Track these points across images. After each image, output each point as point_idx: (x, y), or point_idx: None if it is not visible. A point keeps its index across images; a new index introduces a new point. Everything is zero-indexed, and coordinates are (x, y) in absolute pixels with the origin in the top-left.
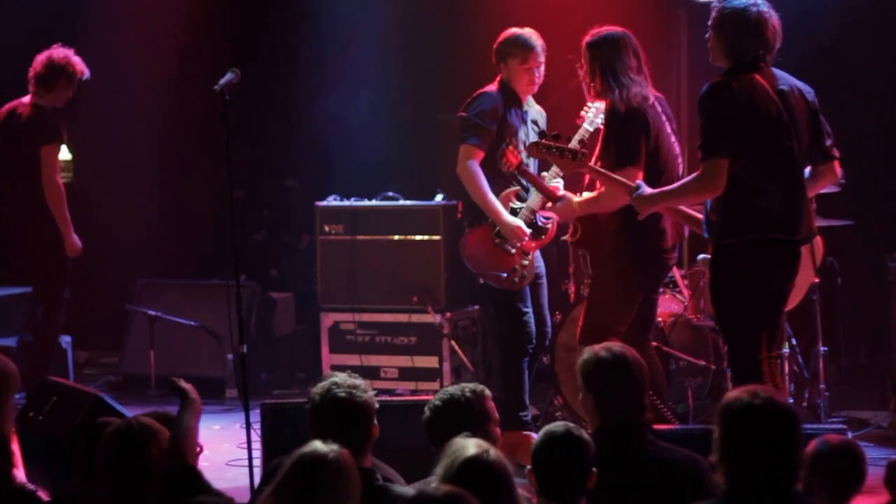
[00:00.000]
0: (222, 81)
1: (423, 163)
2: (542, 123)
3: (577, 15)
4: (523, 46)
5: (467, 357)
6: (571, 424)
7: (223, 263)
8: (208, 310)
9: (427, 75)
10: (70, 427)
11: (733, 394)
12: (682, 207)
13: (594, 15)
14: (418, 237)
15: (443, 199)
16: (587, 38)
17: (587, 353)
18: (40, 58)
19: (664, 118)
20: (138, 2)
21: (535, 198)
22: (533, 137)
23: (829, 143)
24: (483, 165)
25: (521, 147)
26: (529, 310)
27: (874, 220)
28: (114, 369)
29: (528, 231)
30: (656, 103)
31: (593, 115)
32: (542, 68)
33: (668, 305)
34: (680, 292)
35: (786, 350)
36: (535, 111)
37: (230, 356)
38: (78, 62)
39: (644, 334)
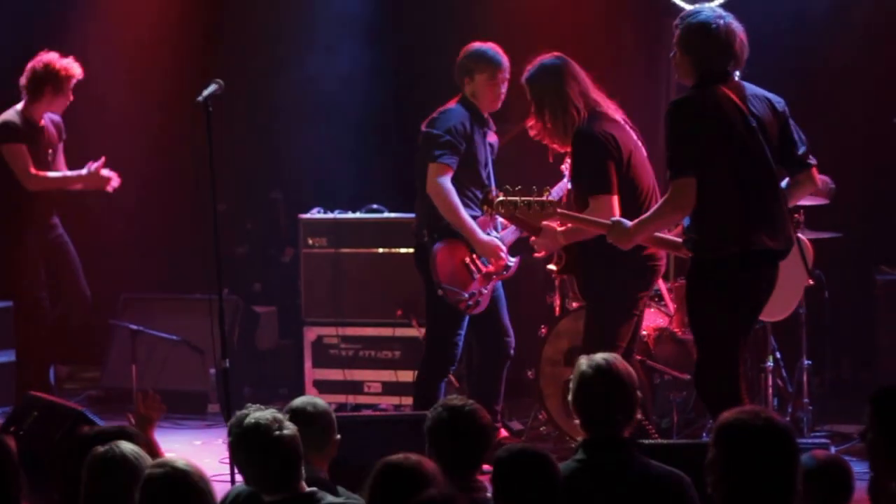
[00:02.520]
0: (206, 93)
1: (406, 175)
2: (496, 149)
3: (562, 27)
4: (491, 62)
5: (451, 372)
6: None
7: (206, 277)
8: (191, 324)
9: (411, 87)
10: (52, 442)
11: (731, 414)
12: (657, 233)
13: (579, 27)
14: (402, 250)
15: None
16: (524, 76)
17: (580, 364)
18: (27, 67)
19: (629, 128)
20: (120, 13)
21: (510, 233)
22: (490, 159)
23: (802, 150)
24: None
25: (483, 166)
26: (462, 333)
27: (862, 233)
28: (96, 384)
29: (505, 248)
30: (619, 118)
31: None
32: (507, 84)
33: (653, 319)
34: (665, 306)
35: (769, 363)
36: (491, 134)
37: (213, 371)
38: (64, 66)
39: (630, 346)
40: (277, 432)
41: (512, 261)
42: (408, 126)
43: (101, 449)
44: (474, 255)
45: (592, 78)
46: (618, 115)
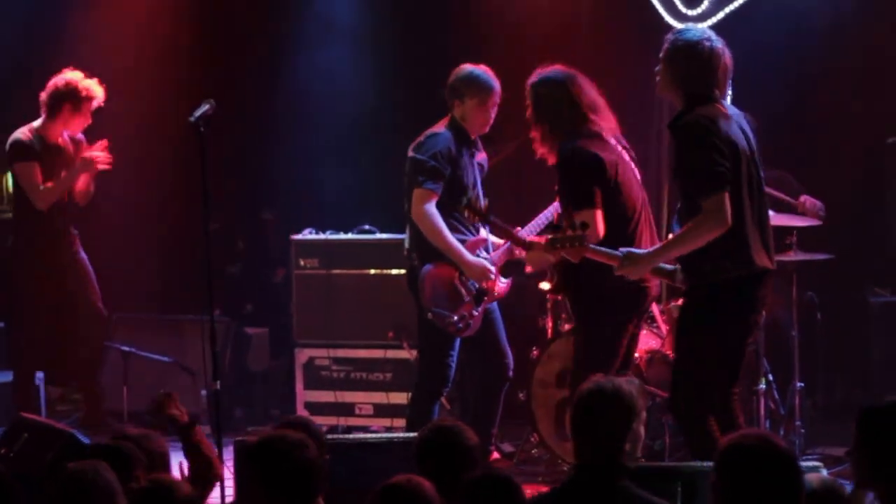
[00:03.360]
0: (198, 113)
1: (398, 196)
2: (486, 168)
3: (553, 40)
4: (483, 86)
5: (445, 394)
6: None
7: (198, 298)
8: (182, 345)
9: (404, 108)
10: (42, 463)
11: (733, 438)
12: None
13: (577, 40)
14: (394, 271)
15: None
16: (529, 82)
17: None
18: (48, 84)
19: (620, 149)
20: (113, 34)
21: (499, 255)
22: (478, 181)
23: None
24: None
25: (471, 189)
26: (455, 354)
27: (854, 255)
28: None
29: (494, 271)
30: (609, 137)
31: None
32: (496, 109)
33: (646, 341)
34: (657, 328)
35: (762, 386)
36: (480, 154)
37: (204, 392)
38: (86, 86)
39: (624, 369)
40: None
41: (503, 281)
42: (400, 147)
43: (74, 467)
44: (463, 278)
45: (599, 92)
46: (611, 135)
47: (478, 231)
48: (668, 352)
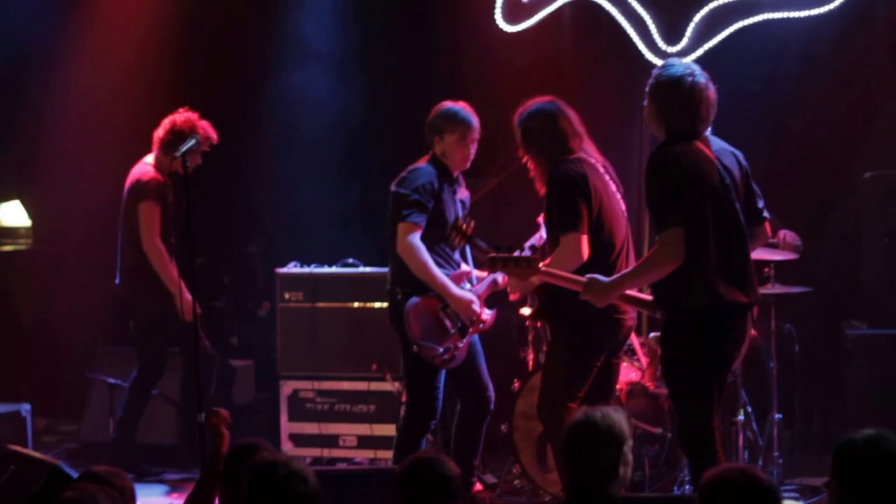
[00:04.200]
0: (183, 148)
1: (383, 230)
2: (468, 204)
3: (540, 80)
4: (463, 122)
5: (433, 426)
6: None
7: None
8: (168, 377)
9: (389, 142)
10: (29, 495)
11: (716, 471)
12: (628, 290)
13: (559, 75)
14: (378, 304)
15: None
16: (517, 116)
17: (576, 416)
18: (165, 121)
19: (608, 178)
20: (96, 69)
21: (484, 287)
22: (462, 215)
23: (760, 204)
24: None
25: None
26: (441, 386)
27: (832, 288)
28: (73, 437)
29: (478, 304)
30: (598, 166)
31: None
32: (476, 145)
33: (626, 373)
34: (637, 360)
35: (740, 417)
36: (462, 190)
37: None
38: (204, 127)
39: (604, 401)
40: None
41: (488, 313)
42: (384, 181)
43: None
44: (448, 310)
45: (582, 123)
46: (599, 163)
47: (459, 265)
48: (649, 384)
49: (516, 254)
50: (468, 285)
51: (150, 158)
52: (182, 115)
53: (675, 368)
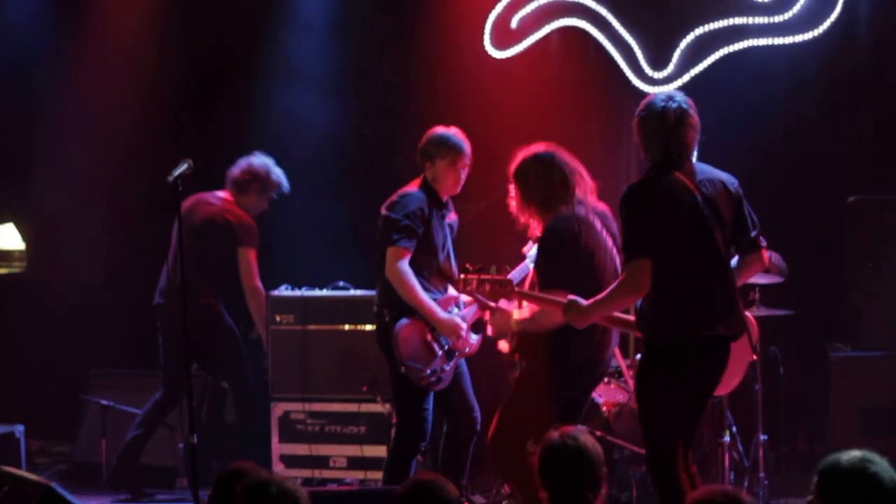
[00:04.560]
0: (176, 172)
1: (373, 253)
2: (455, 228)
3: (529, 102)
4: (454, 148)
5: (423, 448)
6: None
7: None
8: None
9: (377, 166)
10: None
11: (701, 493)
12: (615, 312)
13: (547, 103)
14: (368, 327)
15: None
16: (514, 166)
17: (548, 438)
18: (242, 162)
19: (605, 233)
20: (88, 92)
21: (472, 311)
22: (448, 241)
23: (754, 233)
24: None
25: (441, 249)
26: (430, 408)
27: (816, 311)
28: (66, 458)
29: (465, 326)
30: (594, 217)
31: (536, 252)
32: (468, 170)
33: (613, 395)
34: (625, 382)
35: (726, 438)
36: (450, 214)
37: (181, 445)
38: (276, 175)
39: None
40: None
41: (475, 338)
42: (375, 205)
43: None
44: (435, 333)
45: (581, 166)
46: (598, 218)
47: (448, 289)
48: (636, 405)
49: (487, 276)
50: (456, 310)
51: (222, 193)
52: (260, 160)
53: (646, 396)
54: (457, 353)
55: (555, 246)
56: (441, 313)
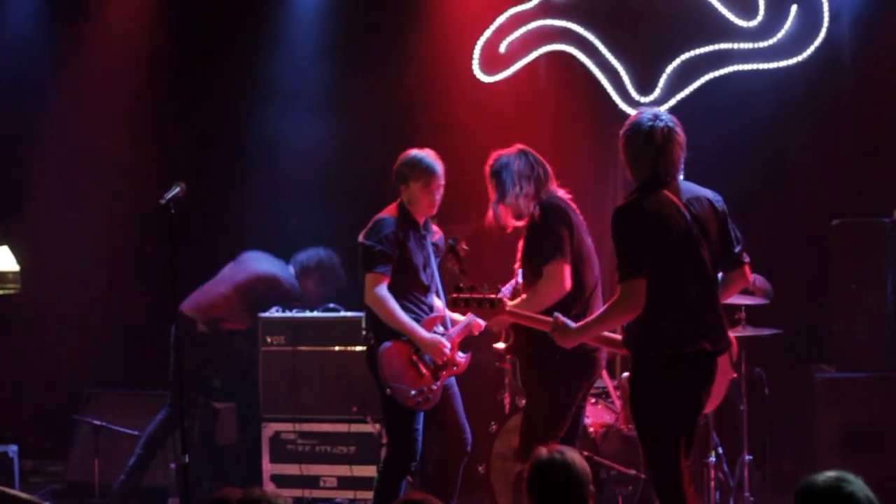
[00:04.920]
0: (169, 195)
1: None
2: (441, 246)
3: (516, 124)
4: (427, 169)
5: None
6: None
7: (167, 373)
8: (152, 419)
9: (370, 187)
10: None
11: None
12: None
13: (533, 125)
14: (358, 348)
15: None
16: (487, 167)
17: (536, 455)
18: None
19: (582, 218)
20: (80, 115)
21: (458, 330)
22: (430, 261)
23: (738, 249)
24: (388, 288)
25: (422, 270)
26: (420, 428)
27: (801, 332)
28: (59, 478)
29: (448, 347)
30: (573, 205)
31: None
32: (442, 191)
33: (600, 416)
34: (612, 402)
35: (712, 458)
36: (432, 234)
37: (173, 465)
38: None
39: (571, 440)
40: None
41: (461, 356)
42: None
43: None
44: (420, 353)
45: (550, 169)
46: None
47: (433, 309)
48: (623, 426)
49: (479, 295)
50: (441, 329)
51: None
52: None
53: (641, 412)
54: (443, 372)
55: (549, 219)
56: (423, 333)
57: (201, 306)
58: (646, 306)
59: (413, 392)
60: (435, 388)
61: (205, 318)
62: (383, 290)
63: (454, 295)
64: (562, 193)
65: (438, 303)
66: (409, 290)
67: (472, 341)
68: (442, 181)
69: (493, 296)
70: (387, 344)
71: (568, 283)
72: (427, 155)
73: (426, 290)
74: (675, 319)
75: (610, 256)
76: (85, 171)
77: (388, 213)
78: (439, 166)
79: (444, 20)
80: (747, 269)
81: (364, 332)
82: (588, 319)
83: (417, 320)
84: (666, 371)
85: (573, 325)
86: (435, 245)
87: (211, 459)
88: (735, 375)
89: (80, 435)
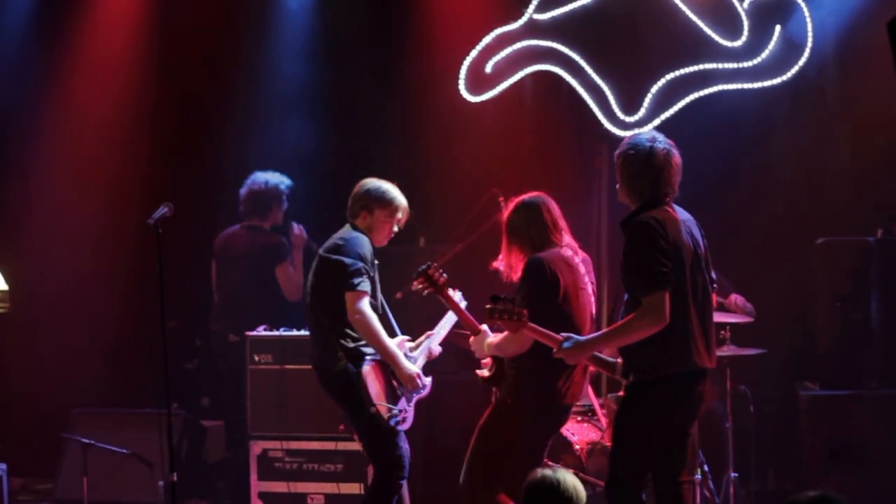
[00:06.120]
0: (155, 215)
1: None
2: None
3: (503, 143)
4: (393, 201)
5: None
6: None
7: (156, 392)
8: (140, 437)
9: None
10: None
11: None
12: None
13: (520, 144)
14: None
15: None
16: (506, 213)
17: (533, 477)
18: None
19: (581, 272)
20: (68, 132)
21: (422, 357)
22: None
23: (713, 274)
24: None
25: (373, 297)
26: (405, 445)
27: (785, 351)
28: (48, 496)
29: (423, 380)
30: (575, 260)
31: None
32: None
33: (586, 433)
34: (597, 420)
35: (697, 476)
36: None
37: (161, 483)
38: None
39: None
40: None
41: (427, 381)
42: None
43: None
44: (395, 375)
45: (562, 216)
46: (577, 256)
47: (396, 333)
48: (608, 443)
49: (507, 306)
50: (409, 354)
51: None
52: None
53: (632, 427)
54: (415, 395)
55: (535, 282)
56: (404, 361)
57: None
58: None
59: (396, 410)
60: (409, 408)
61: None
62: (366, 305)
63: (491, 306)
64: (568, 250)
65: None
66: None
67: (464, 361)
68: (403, 215)
69: (520, 310)
70: (368, 364)
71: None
72: (393, 187)
73: (378, 315)
74: (685, 338)
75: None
76: (73, 191)
77: (356, 232)
78: (404, 201)
79: (431, 41)
80: (715, 294)
81: (320, 352)
82: (602, 332)
83: (365, 346)
84: (672, 389)
85: (582, 339)
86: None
87: (199, 477)
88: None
89: (69, 453)
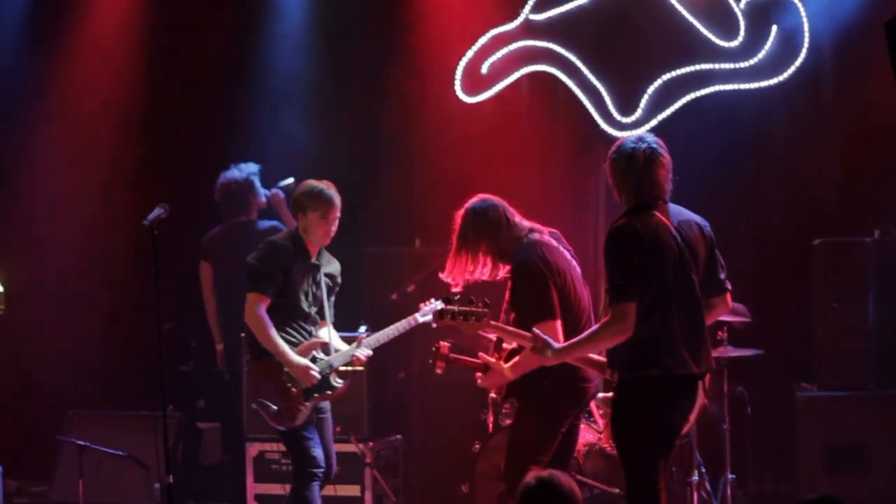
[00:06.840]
0: (151, 216)
1: (347, 295)
2: (338, 276)
3: (499, 146)
4: (325, 201)
5: (388, 486)
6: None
7: (152, 394)
8: (136, 439)
9: (355, 209)
10: None
11: None
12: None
13: (517, 147)
14: (341, 368)
15: (366, 331)
16: (462, 212)
17: (523, 481)
18: None
19: (562, 249)
20: (63, 132)
21: (341, 358)
22: (320, 290)
23: (723, 275)
24: (269, 310)
25: (304, 297)
26: (314, 436)
27: (782, 352)
28: (44, 498)
29: (317, 371)
30: (549, 238)
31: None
32: (337, 223)
33: (583, 435)
34: (594, 422)
35: (695, 477)
36: (328, 264)
37: (157, 485)
38: None
39: (563, 462)
40: None
41: (340, 382)
42: (348, 248)
43: None
44: (289, 374)
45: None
46: (546, 233)
47: (311, 334)
48: (606, 445)
49: (466, 307)
50: (322, 355)
51: None
52: None
53: (623, 432)
54: (316, 395)
55: (529, 277)
56: (292, 357)
57: None
58: (636, 328)
59: (275, 408)
60: (302, 408)
61: None
62: (262, 310)
63: (442, 309)
64: (535, 233)
65: (324, 332)
66: (290, 316)
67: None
68: (338, 213)
69: (479, 309)
70: (258, 361)
71: (560, 339)
72: (326, 186)
73: (306, 317)
74: (662, 342)
75: (594, 275)
76: (69, 192)
77: (282, 237)
78: (337, 198)
79: (426, 41)
80: (729, 296)
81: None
82: (575, 339)
83: (295, 345)
84: (651, 392)
85: (556, 344)
86: (330, 275)
87: (195, 480)
88: (707, 402)
89: (65, 455)
